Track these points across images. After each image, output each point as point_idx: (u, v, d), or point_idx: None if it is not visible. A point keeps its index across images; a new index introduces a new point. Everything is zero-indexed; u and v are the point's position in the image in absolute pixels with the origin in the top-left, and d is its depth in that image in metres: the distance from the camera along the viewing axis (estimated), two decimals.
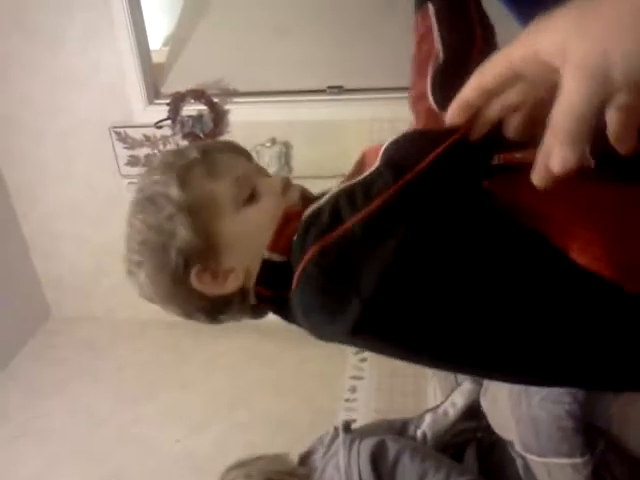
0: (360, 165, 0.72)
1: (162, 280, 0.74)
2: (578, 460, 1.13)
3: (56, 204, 2.81)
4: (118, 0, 2.30)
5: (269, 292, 0.72)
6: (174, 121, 2.45)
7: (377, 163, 0.63)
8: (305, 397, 2.38)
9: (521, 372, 0.64)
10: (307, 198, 0.75)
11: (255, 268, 0.72)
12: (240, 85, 2.49)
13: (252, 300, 0.75)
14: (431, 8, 0.82)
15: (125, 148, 2.59)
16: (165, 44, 3.07)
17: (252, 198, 0.74)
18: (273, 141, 2.47)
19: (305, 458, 1.35)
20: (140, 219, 0.74)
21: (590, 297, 0.59)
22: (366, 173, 0.63)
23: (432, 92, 0.80)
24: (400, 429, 1.50)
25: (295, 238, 0.64)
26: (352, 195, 0.61)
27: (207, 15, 2.72)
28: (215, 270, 0.73)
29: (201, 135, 2.46)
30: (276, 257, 0.69)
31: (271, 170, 2.47)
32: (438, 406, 1.53)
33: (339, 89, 2.39)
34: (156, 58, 2.59)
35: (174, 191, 0.72)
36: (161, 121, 2.46)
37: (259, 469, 1.26)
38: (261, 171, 0.81)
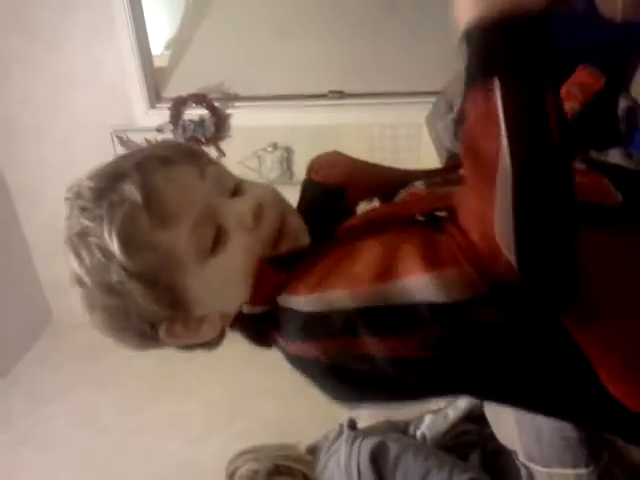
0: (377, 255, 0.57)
1: (124, 338, 0.66)
2: (582, 471, 1.12)
3: (58, 206, 2.76)
4: (120, 1, 2.30)
5: (246, 332, 0.69)
6: (176, 125, 2.44)
7: (413, 279, 0.52)
8: (307, 404, 2.36)
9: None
10: (284, 224, 0.65)
11: (231, 309, 0.64)
12: (242, 89, 2.48)
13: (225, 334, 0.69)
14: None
15: (126, 151, 2.59)
16: (167, 48, 3.06)
17: (218, 240, 0.62)
18: (275, 146, 2.46)
19: (311, 451, 1.37)
20: (85, 269, 0.62)
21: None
22: (398, 289, 0.52)
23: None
24: (403, 429, 1.50)
25: (286, 322, 0.59)
26: (375, 315, 0.53)
27: (209, 19, 2.72)
28: (186, 320, 0.64)
29: (203, 140, 2.46)
30: (258, 309, 0.63)
31: (273, 175, 2.46)
32: (440, 409, 1.52)
33: (340, 94, 2.38)
34: (158, 62, 2.59)
35: (119, 255, 0.59)
36: (163, 125, 2.45)
37: (266, 454, 1.29)
38: (222, 188, 0.65)
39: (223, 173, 0.68)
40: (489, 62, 0.50)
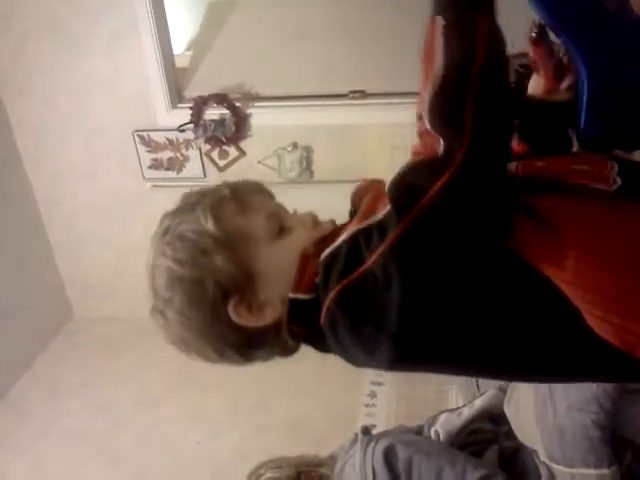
0: (368, 206, 0.72)
1: (196, 314, 0.73)
2: (605, 471, 1.11)
3: (80, 206, 2.84)
4: (143, 5, 2.33)
5: (301, 329, 0.75)
6: (197, 125, 2.47)
7: (388, 205, 0.65)
8: (325, 402, 2.38)
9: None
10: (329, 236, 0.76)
11: (287, 287, 0.73)
12: (262, 89, 2.50)
13: (285, 336, 0.75)
14: (439, 21, 0.70)
15: (148, 151, 2.62)
16: (188, 49, 3.10)
17: (283, 231, 0.76)
18: (294, 145, 2.47)
19: (328, 459, 1.37)
20: (169, 258, 0.73)
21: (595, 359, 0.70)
22: (380, 214, 0.66)
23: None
24: (417, 431, 1.50)
25: (317, 279, 0.69)
26: (369, 236, 0.65)
27: (230, 20, 2.74)
28: (251, 302, 0.73)
29: (223, 139, 2.48)
30: (302, 296, 0.72)
31: (292, 174, 2.47)
32: (457, 408, 1.52)
33: (361, 93, 2.38)
34: (179, 62, 2.61)
35: (210, 225, 0.73)
36: (184, 125, 2.48)
37: (289, 462, 1.32)
38: (286, 209, 0.83)
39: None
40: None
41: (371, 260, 0.63)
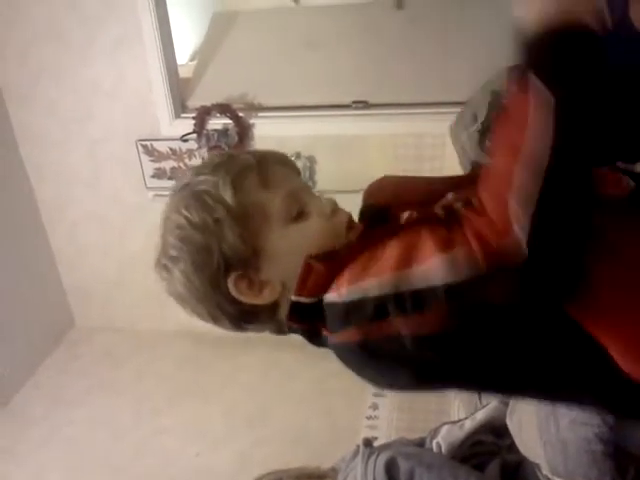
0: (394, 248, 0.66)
1: (198, 279, 0.74)
2: None
3: (82, 215, 2.84)
4: (147, 14, 2.34)
5: (300, 325, 0.75)
6: (200, 135, 2.47)
7: (428, 263, 0.60)
8: (326, 413, 2.36)
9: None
10: (351, 222, 0.78)
11: (292, 283, 0.72)
12: (265, 100, 2.50)
13: (279, 318, 0.76)
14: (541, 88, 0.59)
15: (151, 161, 2.62)
16: (192, 59, 3.11)
17: (300, 215, 0.75)
18: (298, 155, 2.47)
19: (329, 472, 1.36)
20: (184, 215, 0.73)
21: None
22: (417, 273, 0.61)
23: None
24: (419, 444, 1.49)
25: (331, 315, 0.67)
26: (401, 298, 0.61)
27: (233, 31, 2.75)
28: (252, 279, 0.74)
29: (226, 149, 2.48)
30: (304, 299, 0.71)
31: None
32: (459, 420, 1.50)
33: (364, 104, 2.39)
34: (183, 72, 2.62)
35: (228, 195, 0.72)
36: (187, 134, 2.48)
37: (289, 474, 1.32)
38: (310, 190, 0.82)
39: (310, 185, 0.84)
40: (537, 61, 0.58)
41: (405, 327, 0.62)
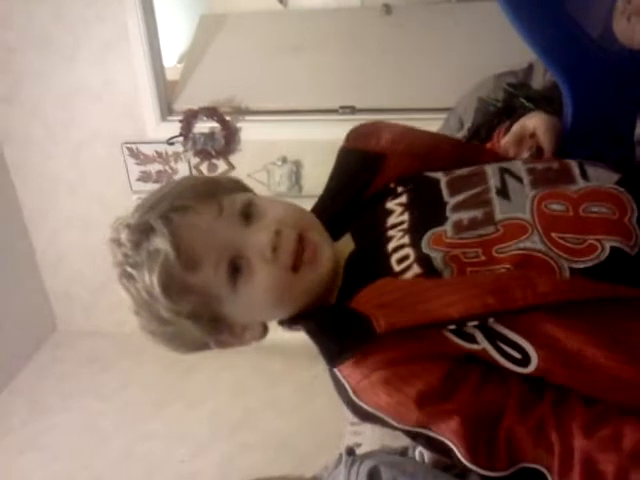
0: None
1: (187, 351, 0.77)
2: None
3: (66, 218, 2.81)
4: (133, 16, 2.32)
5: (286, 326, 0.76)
6: (186, 138, 2.46)
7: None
8: (311, 419, 2.35)
9: None
10: (305, 245, 0.69)
11: (271, 320, 0.74)
12: (252, 103, 2.50)
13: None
14: None
15: (137, 164, 2.60)
16: (179, 61, 3.10)
17: (239, 270, 0.67)
18: (284, 160, 2.47)
19: None
20: (138, 307, 0.70)
21: None
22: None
23: None
24: (401, 452, 1.48)
25: (341, 389, 0.71)
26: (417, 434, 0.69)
27: (221, 34, 2.74)
28: (232, 329, 0.73)
29: (212, 152, 2.47)
30: (287, 319, 0.74)
31: (281, 189, 2.46)
32: None
33: (351, 109, 2.39)
34: (170, 75, 2.60)
35: (163, 301, 0.66)
36: (173, 137, 2.47)
37: None
38: (239, 219, 0.69)
39: (238, 200, 0.71)
40: None
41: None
